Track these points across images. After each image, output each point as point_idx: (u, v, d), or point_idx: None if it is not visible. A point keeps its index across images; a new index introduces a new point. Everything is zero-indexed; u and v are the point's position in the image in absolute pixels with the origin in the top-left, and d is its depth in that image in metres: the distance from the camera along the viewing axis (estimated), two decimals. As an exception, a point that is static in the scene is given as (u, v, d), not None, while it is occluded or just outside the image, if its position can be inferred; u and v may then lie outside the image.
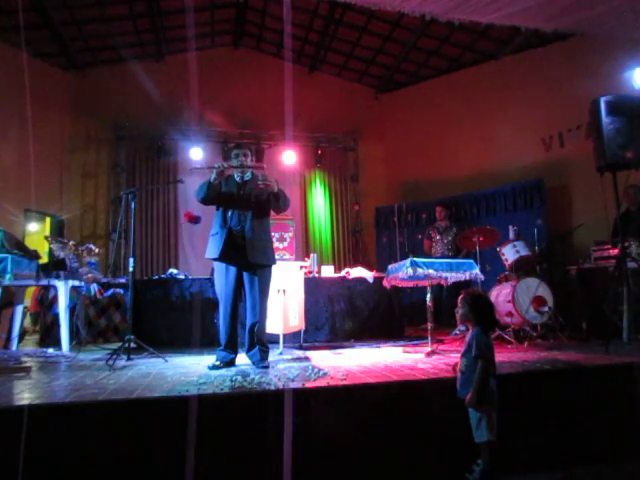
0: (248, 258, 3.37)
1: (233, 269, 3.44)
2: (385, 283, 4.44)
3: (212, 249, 3.46)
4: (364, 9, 6.84)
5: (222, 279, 3.45)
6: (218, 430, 2.33)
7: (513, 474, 2.49)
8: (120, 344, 3.74)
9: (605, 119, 3.82)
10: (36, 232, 7.93)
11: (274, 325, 4.09)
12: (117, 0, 6.90)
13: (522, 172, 7.13)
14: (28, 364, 3.55)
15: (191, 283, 5.14)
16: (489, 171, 7.64)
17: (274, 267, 3.70)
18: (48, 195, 7.49)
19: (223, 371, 3.20)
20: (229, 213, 3.45)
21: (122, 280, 5.74)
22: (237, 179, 3.58)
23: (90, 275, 5.01)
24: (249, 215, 3.43)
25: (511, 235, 5.00)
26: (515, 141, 7.43)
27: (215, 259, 3.45)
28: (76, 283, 4.67)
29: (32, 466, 2.07)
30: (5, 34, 6.57)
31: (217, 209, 3.55)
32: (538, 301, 4.31)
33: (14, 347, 4.58)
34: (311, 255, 5.79)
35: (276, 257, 3.71)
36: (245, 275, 3.44)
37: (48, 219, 7.72)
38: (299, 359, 3.80)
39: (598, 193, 3.92)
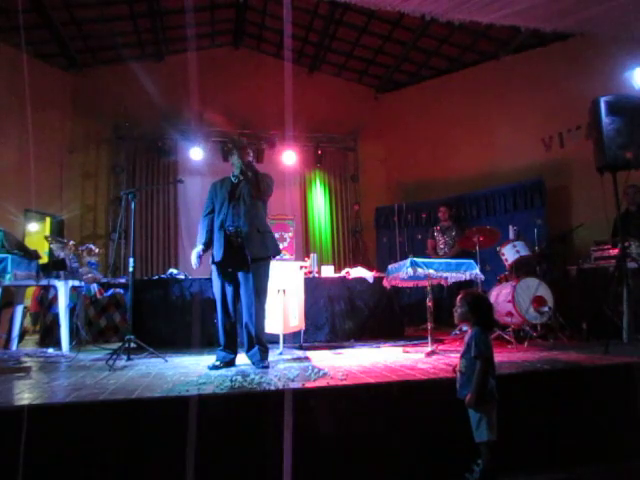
0: (246, 253, 3.36)
1: (229, 269, 3.45)
2: (385, 283, 4.44)
3: (214, 251, 3.48)
4: (364, 9, 6.83)
5: (218, 279, 3.46)
6: (218, 430, 2.33)
7: (513, 474, 2.49)
8: (120, 344, 3.74)
9: (605, 119, 3.81)
10: (36, 232, 7.91)
11: (274, 325, 4.09)
12: (117, 0, 6.90)
13: (522, 172, 7.12)
14: (28, 364, 3.55)
15: (191, 283, 5.15)
16: (489, 171, 7.64)
17: (274, 267, 3.70)
18: (48, 195, 7.48)
19: (223, 371, 3.20)
20: (222, 215, 3.46)
21: (122, 280, 5.74)
22: (233, 179, 3.59)
23: (90, 275, 5.01)
24: (242, 212, 3.44)
25: (511, 235, 5.00)
26: (515, 141, 7.43)
27: (217, 262, 3.44)
28: (76, 283, 4.67)
29: (32, 466, 2.07)
30: (5, 34, 6.57)
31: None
32: (538, 301, 4.31)
33: (14, 347, 4.58)
34: (311, 255, 5.79)
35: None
36: (240, 274, 3.43)
37: (48, 219, 7.72)
38: (299, 359, 3.80)
39: (598, 193, 3.91)
